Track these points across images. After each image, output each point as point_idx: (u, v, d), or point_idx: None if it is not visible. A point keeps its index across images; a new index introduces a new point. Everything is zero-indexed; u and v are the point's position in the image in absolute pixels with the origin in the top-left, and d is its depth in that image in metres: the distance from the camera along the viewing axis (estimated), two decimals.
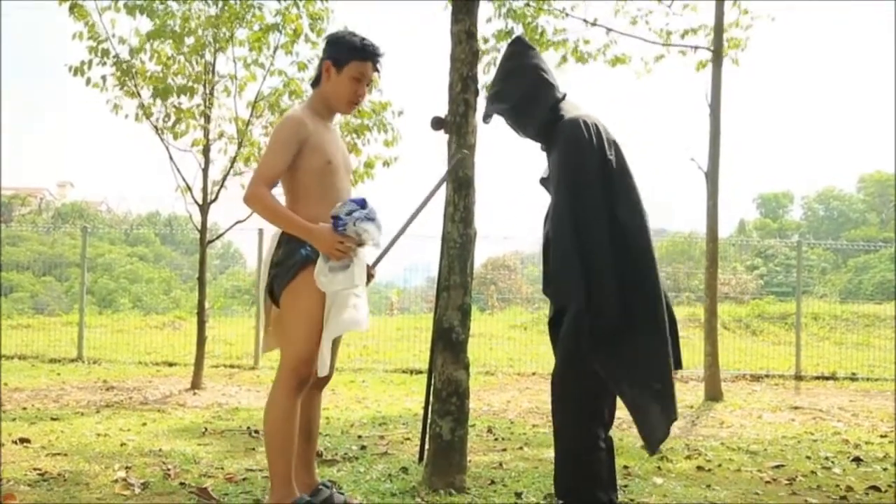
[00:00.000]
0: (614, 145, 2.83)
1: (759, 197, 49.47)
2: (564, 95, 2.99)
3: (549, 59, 7.74)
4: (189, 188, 6.78)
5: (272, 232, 2.91)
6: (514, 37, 3.20)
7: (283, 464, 2.77)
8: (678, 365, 2.89)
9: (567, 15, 7.33)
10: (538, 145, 3.05)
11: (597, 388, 2.78)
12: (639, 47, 9.92)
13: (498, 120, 3.08)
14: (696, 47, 7.36)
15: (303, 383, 2.79)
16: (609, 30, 7.40)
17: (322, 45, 3.15)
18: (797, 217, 49.13)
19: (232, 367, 8.58)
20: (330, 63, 2.90)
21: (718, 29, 6.92)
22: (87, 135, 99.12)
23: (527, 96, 2.92)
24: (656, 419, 2.76)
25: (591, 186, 2.74)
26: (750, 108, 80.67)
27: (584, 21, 7.32)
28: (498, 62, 3.10)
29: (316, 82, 2.99)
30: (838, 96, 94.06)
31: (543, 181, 3.01)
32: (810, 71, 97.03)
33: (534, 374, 8.57)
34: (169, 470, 3.61)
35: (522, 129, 3.00)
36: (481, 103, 3.52)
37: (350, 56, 2.89)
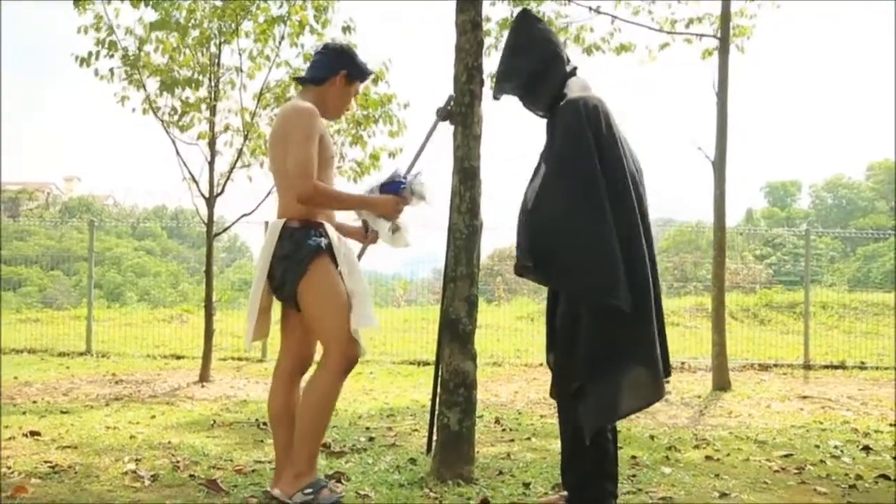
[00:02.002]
0: (610, 129, 2.75)
1: (767, 185, 49.31)
2: (574, 69, 2.93)
3: None
4: (195, 181, 6.78)
5: (272, 224, 2.97)
6: (520, 10, 3.14)
7: (314, 444, 2.92)
8: (665, 371, 2.80)
9: (570, 1, 7.28)
10: (544, 120, 2.98)
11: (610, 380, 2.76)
12: (644, 36, 9.84)
13: (506, 98, 3.03)
14: (702, 35, 7.30)
15: (353, 363, 2.94)
16: (614, 17, 7.36)
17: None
18: (805, 205, 48.95)
19: (240, 359, 8.62)
20: (346, 73, 3.08)
21: (725, 17, 6.86)
22: (94, 129, 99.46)
23: (537, 73, 2.88)
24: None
25: (589, 170, 2.67)
26: (757, 96, 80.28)
27: (589, 9, 7.27)
28: (505, 37, 3.05)
29: (318, 81, 3.08)
30: (846, 84, 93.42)
31: (542, 156, 2.96)
32: (818, 58, 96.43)
33: (541, 364, 8.56)
34: (178, 462, 3.63)
35: (532, 105, 2.96)
36: (487, 93, 3.50)
37: (361, 76, 3.15)
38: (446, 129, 3.46)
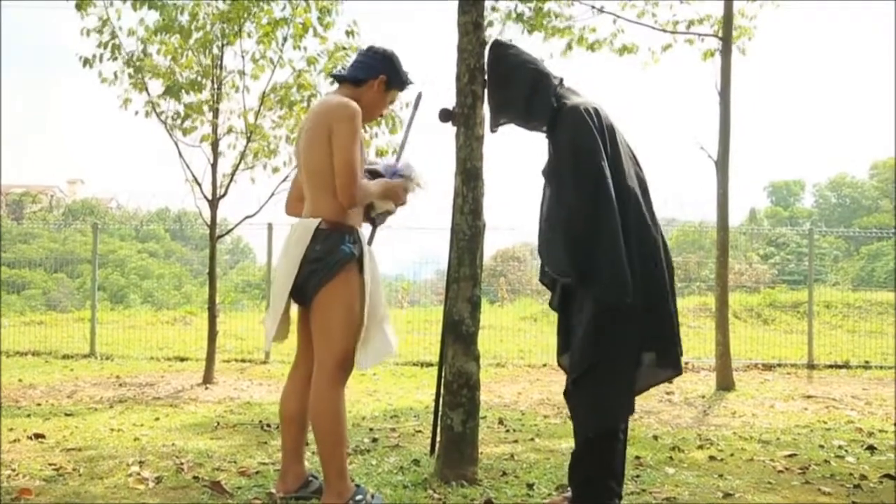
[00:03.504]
0: (611, 132, 2.81)
1: (770, 185, 49.22)
2: (561, 80, 2.97)
3: (555, 46, 7.74)
4: (198, 183, 6.79)
5: (302, 223, 2.89)
6: (491, 42, 3.20)
7: (339, 457, 2.85)
8: (676, 366, 2.86)
9: (574, 2, 7.29)
10: (543, 134, 3.02)
11: (616, 377, 2.78)
12: (646, 37, 9.86)
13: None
14: (705, 35, 7.30)
15: (348, 373, 2.92)
16: (616, 17, 7.36)
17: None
18: (809, 205, 48.83)
19: (243, 361, 8.62)
20: (385, 79, 3.05)
21: (727, 17, 6.86)
22: (97, 132, 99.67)
23: (530, 97, 2.92)
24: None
25: (598, 174, 2.72)
26: (760, 96, 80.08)
27: (592, 7, 7.28)
28: (486, 72, 3.11)
29: (354, 81, 3.04)
30: (850, 83, 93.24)
31: (545, 172, 2.99)
32: (821, 57, 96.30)
33: (544, 365, 8.56)
34: (182, 464, 3.63)
35: (532, 127, 3.00)
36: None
37: (401, 84, 3.12)
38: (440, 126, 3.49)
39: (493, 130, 3.07)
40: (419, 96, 3.39)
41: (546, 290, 3.12)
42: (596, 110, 2.80)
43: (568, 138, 2.79)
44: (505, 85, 2.98)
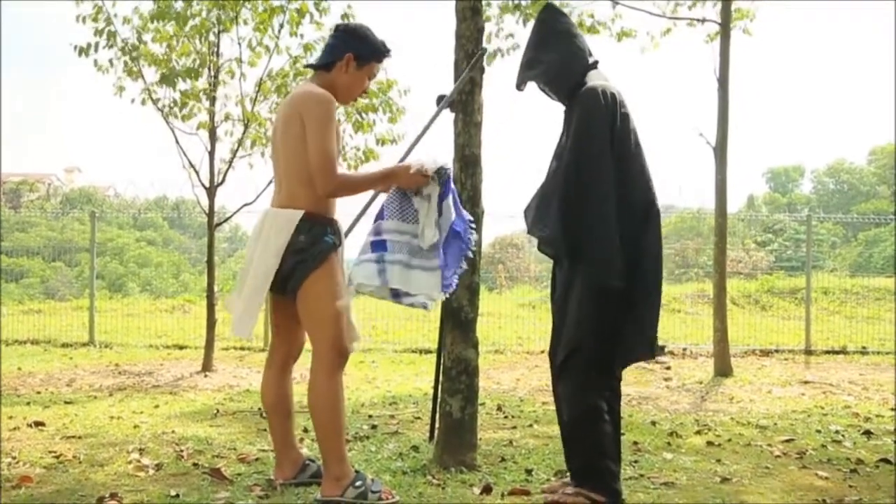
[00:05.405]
0: (626, 120, 2.83)
1: (769, 171, 49.25)
2: (596, 62, 2.99)
3: None
4: (196, 171, 6.77)
5: (282, 214, 2.87)
6: (544, 5, 3.20)
7: (338, 443, 2.85)
8: (650, 349, 2.89)
9: None
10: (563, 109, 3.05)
11: (600, 358, 2.80)
12: (645, 21, 9.80)
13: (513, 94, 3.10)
14: (704, 19, 7.27)
15: (345, 359, 2.91)
16: (615, 3, 7.32)
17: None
18: (807, 191, 48.84)
19: (242, 349, 8.63)
20: (353, 56, 2.95)
21: (726, 1, 6.82)
22: (94, 120, 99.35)
23: (558, 63, 2.94)
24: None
25: (600, 155, 2.76)
26: (759, 82, 79.87)
27: None
28: (530, 31, 3.12)
29: (324, 66, 2.98)
30: (849, 68, 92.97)
31: (560, 142, 3.01)
32: (821, 42, 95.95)
33: (542, 352, 8.57)
34: (182, 451, 3.65)
35: (553, 93, 3.02)
36: (487, 81, 3.50)
37: (374, 56, 3.01)
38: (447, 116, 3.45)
39: (518, 88, 3.06)
40: (484, 51, 3.39)
41: (545, 277, 3.14)
42: (613, 95, 2.82)
43: (579, 117, 2.83)
44: (541, 46, 2.99)
